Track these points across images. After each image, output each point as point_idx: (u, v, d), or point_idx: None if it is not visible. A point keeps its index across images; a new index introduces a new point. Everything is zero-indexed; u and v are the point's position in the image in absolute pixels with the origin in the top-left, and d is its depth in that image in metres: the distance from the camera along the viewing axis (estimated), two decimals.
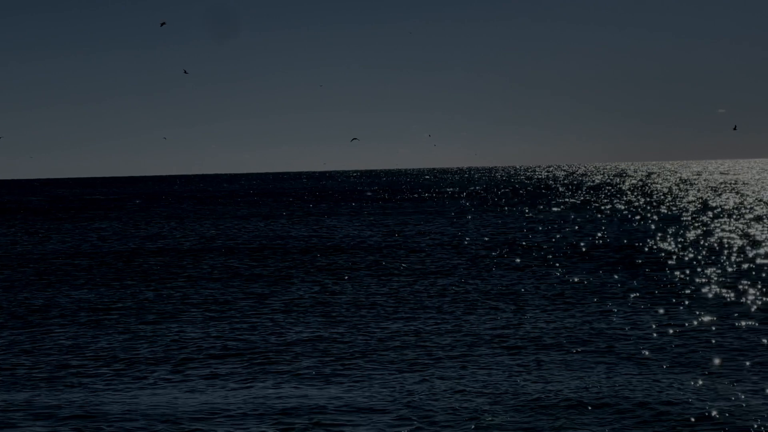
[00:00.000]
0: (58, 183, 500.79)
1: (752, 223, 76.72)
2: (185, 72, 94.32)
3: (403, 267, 51.33)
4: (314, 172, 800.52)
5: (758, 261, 49.44)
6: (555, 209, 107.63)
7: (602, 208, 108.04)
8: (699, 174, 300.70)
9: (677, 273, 45.68)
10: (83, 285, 47.30)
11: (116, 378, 26.72)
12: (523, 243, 63.60)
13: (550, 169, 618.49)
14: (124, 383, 26.07)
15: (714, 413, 21.79)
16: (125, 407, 23.52)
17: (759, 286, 40.45)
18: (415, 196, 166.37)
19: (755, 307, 35.56)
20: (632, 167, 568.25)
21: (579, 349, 28.72)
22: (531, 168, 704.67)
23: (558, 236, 68.59)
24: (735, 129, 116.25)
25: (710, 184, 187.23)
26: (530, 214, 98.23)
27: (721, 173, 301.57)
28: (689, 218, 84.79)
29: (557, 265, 50.39)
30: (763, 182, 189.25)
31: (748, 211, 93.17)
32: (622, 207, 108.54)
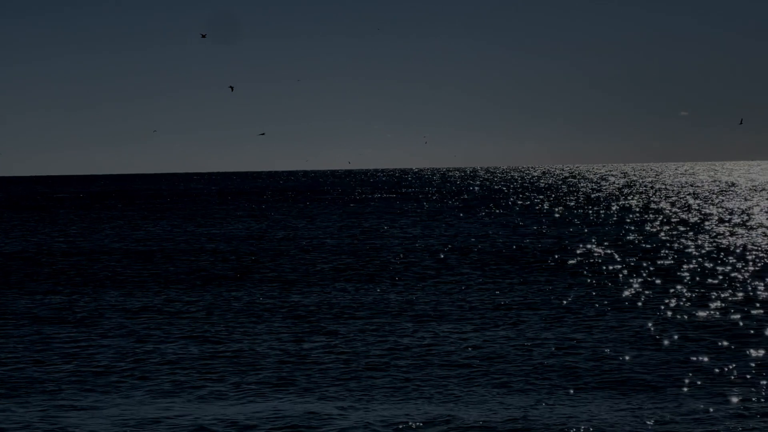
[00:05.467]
0: (14, 181, 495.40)
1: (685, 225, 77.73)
2: (231, 89, 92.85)
3: (366, 269, 51.66)
4: (296, 171, 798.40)
5: (692, 265, 50.21)
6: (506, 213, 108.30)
7: (551, 209, 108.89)
8: (658, 175, 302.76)
9: (617, 278, 46.33)
10: (43, 285, 47.23)
11: (77, 384, 26.82)
12: (483, 247, 64.13)
13: (508, 170, 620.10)
14: (85, 389, 26.19)
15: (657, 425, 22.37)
16: (86, 414, 23.71)
17: (698, 291, 41.16)
18: (378, 196, 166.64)
19: (695, 310, 36.22)
20: (593, 169, 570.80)
21: (531, 362, 29.24)
22: (492, 169, 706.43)
23: (517, 241, 69.16)
24: (741, 123, 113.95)
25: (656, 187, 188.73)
26: (489, 218, 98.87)
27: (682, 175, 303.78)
28: (624, 222, 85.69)
29: (514, 272, 50.92)
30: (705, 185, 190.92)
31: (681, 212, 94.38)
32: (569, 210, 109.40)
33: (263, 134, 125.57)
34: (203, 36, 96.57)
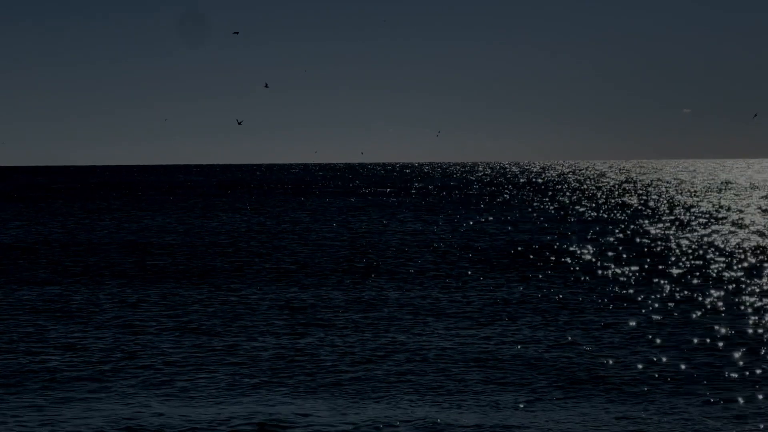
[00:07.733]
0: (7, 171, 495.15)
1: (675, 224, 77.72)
2: (266, 86, 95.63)
3: (364, 264, 51.67)
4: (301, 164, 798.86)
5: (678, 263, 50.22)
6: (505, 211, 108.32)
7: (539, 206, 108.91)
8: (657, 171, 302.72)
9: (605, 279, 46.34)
10: (40, 275, 47.24)
11: (72, 375, 26.82)
12: (479, 246, 64.14)
13: (497, 166, 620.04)
14: (80, 381, 26.18)
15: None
16: (80, 407, 23.70)
17: (683, 292, 41.18)
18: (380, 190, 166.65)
19: (681, 311, 36.23)
20: (593, 165, 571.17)
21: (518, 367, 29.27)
22: (492, 164, 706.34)
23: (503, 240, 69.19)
24: (755, 116, 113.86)
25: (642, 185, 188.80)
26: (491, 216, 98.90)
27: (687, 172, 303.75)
28: (612, 220, 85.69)
29: (506, 272, 50.96)
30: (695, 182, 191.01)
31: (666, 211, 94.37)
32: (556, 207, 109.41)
33: (241, 122, 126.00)
34: (236, 33, 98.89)
